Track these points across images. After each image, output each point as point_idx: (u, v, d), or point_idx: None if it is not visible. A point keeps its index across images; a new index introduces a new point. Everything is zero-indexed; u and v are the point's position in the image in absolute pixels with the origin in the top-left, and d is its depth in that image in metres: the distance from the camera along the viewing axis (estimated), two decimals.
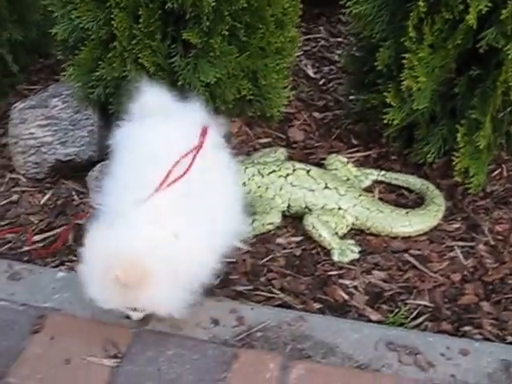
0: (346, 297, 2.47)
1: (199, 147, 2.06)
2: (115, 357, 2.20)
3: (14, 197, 2.92)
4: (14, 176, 3.00)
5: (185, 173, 1.96)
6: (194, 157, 2.01)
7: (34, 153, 2.87)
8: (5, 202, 2.92)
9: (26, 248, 2.72)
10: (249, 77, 2.94)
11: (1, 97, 3.50)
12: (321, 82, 3.58)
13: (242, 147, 3.02)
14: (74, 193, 2.88)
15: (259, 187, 2.68)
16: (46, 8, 3.04)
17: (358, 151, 3.14)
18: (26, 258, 2.64)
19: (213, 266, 2.07)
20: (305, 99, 3.41)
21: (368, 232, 2.73)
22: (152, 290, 1.90)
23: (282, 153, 2.89)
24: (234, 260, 2.56)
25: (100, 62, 2.81)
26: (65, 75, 2.91)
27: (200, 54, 2.80)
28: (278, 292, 2.48)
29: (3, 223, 2.78)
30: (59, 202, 2.85)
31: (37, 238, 2.76)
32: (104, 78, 2.80)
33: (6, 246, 2.71)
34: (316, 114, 3.33)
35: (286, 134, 3.18)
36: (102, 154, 2.90)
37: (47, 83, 3.59)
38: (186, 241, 1.94)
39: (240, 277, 2.55)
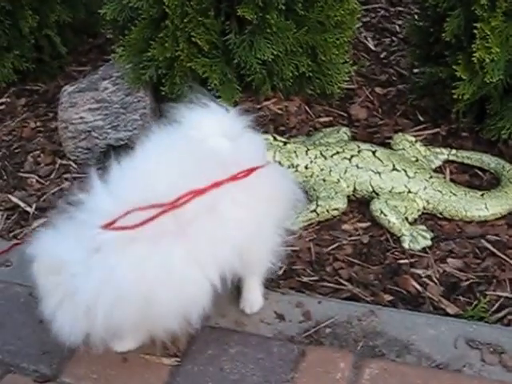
0: (420, 288, 2.32)
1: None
2: (175, 355, 2.08)
3: (65, 184, 2.74)
4: (64, 162, 2.88)
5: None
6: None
7: (84, 138, 2.74)
8: (56, 189, 2.79)
9: None
10: (307, 53, 2.80)
11: (49, 79, 3.39)
12: (382, 55, 3.39)
13: (302, 127, 2.85)
14: None
15: (322, 170, 2.51)
16: None
17: (425, 128, 2.97)
18: None
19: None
20: (366, 74, 3.25)
21: (440, 216, 2.56)
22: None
23: (344, 132, 2.71)
24: (298, 248, 2.35)
25: (151, 42, 2.70)
26: (115, 57, 2.68)
27: (256, 30, 2.67)
28: (345, 283, 2.34)
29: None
30: None
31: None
32: (156, 59, 2.67)
33: None
34: (378, 90, 3.15)
35: (347, 111, 3.01)
36: None
37: (97, 64, 3.50)
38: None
39: (304, 266, 2.41)
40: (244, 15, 2.58)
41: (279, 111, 2.92)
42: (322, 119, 2.99)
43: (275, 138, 2.55)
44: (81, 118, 2.76)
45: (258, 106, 2.94)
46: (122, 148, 2.71)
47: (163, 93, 2.73)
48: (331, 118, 3.01)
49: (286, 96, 2.95)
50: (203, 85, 2.74)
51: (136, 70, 2.69)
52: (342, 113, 3.04)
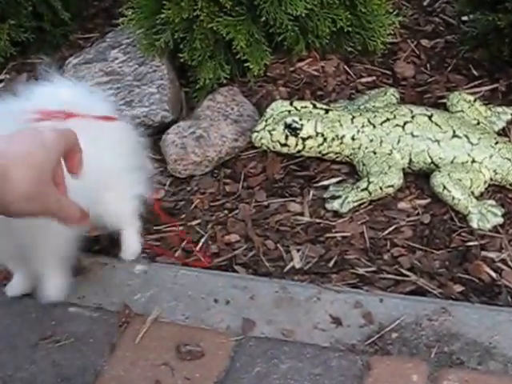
0: (494, 274, 2.05)
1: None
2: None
3: None
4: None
5: None
6: None
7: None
8: None
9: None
10: (345, 4, 2.50)
11: (52, 50, 3.07)
12: (425, 2, 3.00)
13: (343, 90, 2.54)
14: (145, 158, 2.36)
15: (372, 141, 2.19)
16: None
17: (481, 84, 2.66)
18: (96, 247, 2.18)
19: None
20: (409, 25, 2.93)
21: (511, 188, 2.25)
22: None
23: (392, 94, 2.38)
24: (349, 234, 2.06)
25: (165, 2, 2.40)
26: (123, 21, 2.38)
27: None
28: (407, 273, 2.09)
29: None
30: None
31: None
32: (171, 21, 2.36)
33: None
34: (425, 42, 2.83)
35: (391, 69, 2.72)
36: (177, 113, 2.48)
37: (104, 30, 3.16)
38: None
39: (358, 255, 2.16)
40: None
41: (315, 73, 2.63)
42: (363, 79, 2.69)
43: (315, 106, 2.23)
44: None
45: (292, 69, 2.60)
46: (138, 127, 2.35)
47: (182, 60, 2.32)
48: (374, 78, 2.70)
49: (321, 55, 2.61)
50: (228, 48, 2.37)
51: (149, 35, 2.38)
52: (385, 71, 2.74)
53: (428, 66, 2.78)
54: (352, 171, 2.31)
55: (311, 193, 2.28)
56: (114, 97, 2.44)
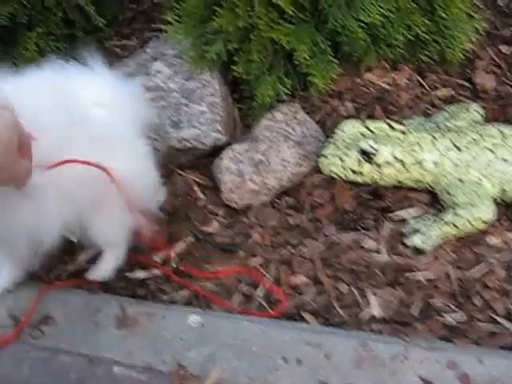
0: None
1: None
2: None
3: None
4: None
5: None
6: None
7: None
8: None
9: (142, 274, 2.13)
10: (423, 9, 2.26)
11: (85, 58, 2.72)
12: (501, 3, 2.75)
13: (417, 105, 2.32)
14: (195, 188, 2.17)
15: (457, 166, 1.99)
16: None
17: None
18: (141, 291, 2.04)
19: None
20: (486, 29, 2.62)
21: None
22: None
23: (476, 110, 2.17)
24: (433, 275, 1.96)
25: (217, 8, 2.18)
26: (168, 30, 2.32)
27: None
28: (503, 321, 1.90)
29: None
30: (177, 203, 2.10)
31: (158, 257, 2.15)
32: (224, 30, 2.15)
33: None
34: (504, 49, 2.60)
35: (470, 80, 2.48)
36: (230, 133, 2.35)
37: (143, 35, 2.97)
38: None
39: (445, 300, 1.98)
40: None
41: (386, 86, 2.43)
42: (439, 92, 2.48)
43: (390, 126, 2.00)
44: None
45: (359, 81, 2.37)
46: (187, 151, 2.12)
47: (235, 73, 2.11)
48: (451, 91, 2.50)
49: (392, 65, 2.36)
50: (288, 59, 2.13)
51: (198, 45, 2.19)
52: (463, 82, 2.54)
53: (510, 75, 2.53)
54: (433, 200, 2.10)
55: (387, 226, 2.04)
56: (157, 116, 2.16)
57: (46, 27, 2.71)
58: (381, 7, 2.12)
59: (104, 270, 2.05)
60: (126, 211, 1.81)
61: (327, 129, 2.32)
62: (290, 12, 2.11)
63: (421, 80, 2.46)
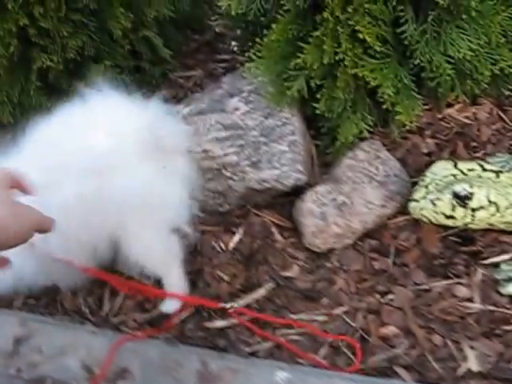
0: None
1: None
2: None
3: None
4: None
5: None
6: None
7: (212, 178, 2.10)
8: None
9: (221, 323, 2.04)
10: (511, 42, 2.12)
11: (151, 90, 2.67)
12: None
13: (500, 141, 2.24)
14: (274, 229, 2.05)
15: None
16: None
17: None
18: (222, 342, 1.94)
19: None
20: None
21: None
22: None
23: None
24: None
25: (301, 43, 2.06)
26: (250, 68, 2.24)
27: (445, 16, 2.04)
28: None
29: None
30: (255, 245, 1.99)
31: (234, 303, 2.06)
32: (307, 66, 2.00)
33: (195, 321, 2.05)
34: None
35: None
36: (309, 173, 2.16)
37: (207, 66, 2.92)
38: None
39: None
40: None
41: (466, 120, 2.33)
42: None
43: (483, 167, 1.86)
44: (205, 151, 2.13)
45: (439, 116, 2.23)
46: (265, 191, 2.10)
47: (318, 111, 2.00)
48: None
49: (471, 99, 2.21)
50: (371, 97, 2.02)
51: (278, 82, 2.04)
52: None
53: None
54: None
55: (479, 272, 1.91)
56: (236, 156, 2.06)
57: (113, 59, 2.65)
58: (470, 41, 1.97)
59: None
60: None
61: (408, 166, 2.19)
62: (377, 48, 1.97)
63: (502, 114, 2.33)
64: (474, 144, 2.27)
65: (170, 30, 2.86)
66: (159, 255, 1.97)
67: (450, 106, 2.33)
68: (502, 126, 2.32)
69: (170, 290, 2.02)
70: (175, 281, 2.03)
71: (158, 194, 1.82)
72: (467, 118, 2.31)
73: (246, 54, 2.16)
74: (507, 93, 2.35)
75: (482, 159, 2.15)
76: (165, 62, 2.84)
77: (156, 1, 2.65)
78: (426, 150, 2.24)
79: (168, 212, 1.89)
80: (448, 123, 2.30)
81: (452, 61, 2.06)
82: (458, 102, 2.33)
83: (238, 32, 2.52)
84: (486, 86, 2.19)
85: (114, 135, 1.77)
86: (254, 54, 2.11)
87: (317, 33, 2.00)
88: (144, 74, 2.80)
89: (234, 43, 2.95)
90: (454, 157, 2.19)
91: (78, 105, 1.80)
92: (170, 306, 2.03)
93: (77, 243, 1.80)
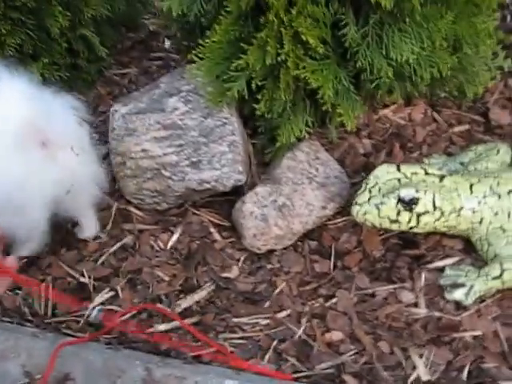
0: None
1: None
2: None
3: (128, 238, 1.77)
4: (122, 206, 1.85)
5: None
6: None
7: (151, 177, 1.82)
8: (115, 246, 1.96)
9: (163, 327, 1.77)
10: (453, 46, 1.93)
11: (87, 87, 2.52)
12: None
13: (436, 142, 1.97)
14: (212, 229, 1.72)
15: (496, 214, 1.58)
16: None
17: None
18: (165, 346, 1.71)
19: None
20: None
21: None
22: None
23: (506, 152, 1.72)
24: (480, 333, 1.60)
25: (243, 44, 1.79)
26: (187, 66, 1.98)
27: (388, 20, 1.81)
28: None
29: (121, 280, 1.83)
30: (194, 245, 1.69)
31: (178, 307, 1.80)
32: (249, 67, 1.77)
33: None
34: None
35: (484, 115, 2.08)
36: (251, 175, 1.97)
37: (142, 64, 2.63)
38: None
39: (497, 362, 1.61)
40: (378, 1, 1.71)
41: (401, 121, 2.04)
42: (456, 128, 2.17)
43: (426, 171, 1.58)
44: (144, 150, 1.86)
45: (375, 117, 1.94)
46: (204, 191, 1.89)
47: (258, 112, 1.70)
48: (467, 127, 2.17)
49: (406, 100, 1.99)
50: (310, 97, 1.81)
51: (218, 83, 1.73)
52: (477, 117, 2.21)
53: None
54: (468, 247, 1.73)
55: (423, 276, 1.63)
56: (175, 155, 1.74)
57: (51, 57, 2.35)
58: (413, 44, 1.70)
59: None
60: None
61: (346, 167, 1.93)
62: (319, 50, 1.68)
63: (436, 115, 2.13)
64: (410, 145, 2.03)
65: (106, 28, 2.57)
66: None
67: (385, 106, 2.06)
68: (437, 126, 2.11)
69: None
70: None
71: (28, 189, 1.60)
72: (402, 118, 2.07)
73: (186, 55, 1.81)
74: (443, 94, 2.06)
75: (418, 160, 1.85)
76: (101, 59, 2.54)
77: (93, 1, 2.26)
78: (362, 151, 1.99)
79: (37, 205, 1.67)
80: (384, 124, 2.06)
81: (393, 63, 1.73)
82: (393, 103, 2.07)
83: (174, 31, 2.15)
84: (425, 89, 1.88)
85: None
86: (196, 55, 1.76)
87: (260, 34, 1.73)
88: (80, 72, 2.51)
89: (167, 41, 2.59)
90: (391, 158, 1.93)
91: None
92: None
93: None
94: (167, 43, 2.66)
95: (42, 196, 1.68)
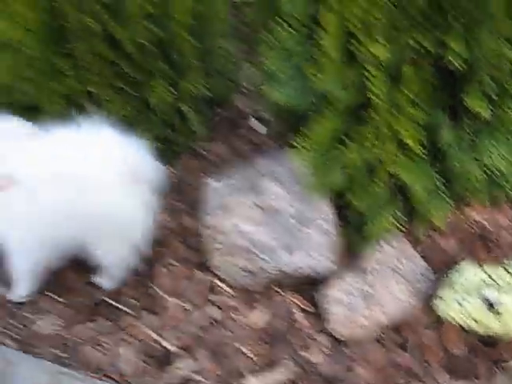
0: None
1: None
2: None
3: (213, 310, 1.90)
4: (209, 278, 2.01)
5: None
6: None
7: (242, 256, 2.03)
8: (203, 320, 2.10)
9: None
10: None
11: (175, 157, 2.69)
12: None
13: None
14: (296, 311, 1.89)
15: None
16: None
17: None
18: None
19: None
20: None
21: None
22: None
23: None
24: None
25: (344, 139, 1.98)
26: (289, 151, 2.10)
27: (482, 126, 1.98)
28: None
29: (204, 352, 1.98)
30: (278, 324, 1.86)
31: (254, 381, 1.90)
32: (347, 160, 2.00)
33: None
34: None
35: None
36: (340, 265, 2.11)
37: (228, 140, 2.80)
38: None
39: None
40: (473, 107, 1.90)
41: (486, 223, 2.18)
42: None
43: (509, 272, 1.69)
44: (237, 228, 2.01)
45: (462, 217, 2.13)
46: (296, 274, 2.04)
47: (353, 202, 1.88)
48: None
49: (492, 202, 2.22)
50: (401, 193, 2.03)
51: (317, 172, 1.92)
52: None
53: None
54: None
55: (500, 378, 1.74)
56: (268, 237, 1.90)
57: (147, 126, 2.52)
58: (504, 152, 1.87)
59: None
60: None
61: (431, 263, 2.07)
62: (416, 150, 1.83)
63: None
64: (494, 247, 2.13)
65: (199, 104, 2.72)
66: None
67: (472, 207, 2.18)
68: None
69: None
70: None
71: (124, 213, 1.97)
72: (488, 221, 2.18)
73: (280, 139, 1.98)
74: None
75: (502, 262, 1.99)
76: (192, 133, 2.71)
77: (193, 78, 2.49)
78: (447, 249, 2.09)
79: (130, 230, 2.02)
80: (470, 224, 2.17)
81: (483, 168, 1.88)
82: (480, 205, 2.16)
83: (269, 116, 2.34)
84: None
85: (97, 160, 1.95)
86: (296, 142, 1.92)
87: (362, 130, 1.86)
88: (171, 142, 2.68)
89: (255, 121, 2.78)
90: (475, 258, 2.03)
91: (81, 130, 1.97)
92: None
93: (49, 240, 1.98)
94: (255, 123, 2.82)
95: (133, 222, 2.01)
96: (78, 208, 1.93)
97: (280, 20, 2.06)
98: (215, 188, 2.13)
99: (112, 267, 2.12)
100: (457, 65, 1.82)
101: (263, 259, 2.00)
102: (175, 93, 2.50)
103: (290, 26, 2.01)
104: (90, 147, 1.98)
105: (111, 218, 1.98)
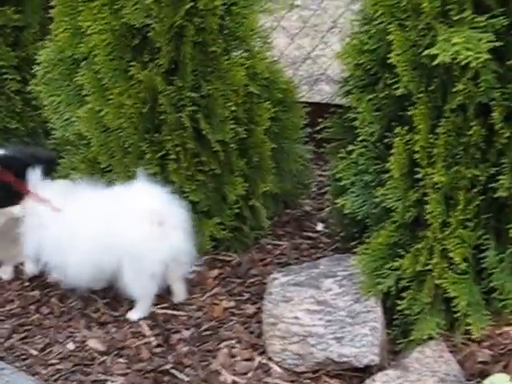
0: None
1: None
2: None
3: None
4: (264, 361, 2.42)
5: None
6: None
7: (297, 341, 2.41)
8: None
9: None
10: None
11: (242, 249, 3.13)
12: None
13: None
14: None
15: None
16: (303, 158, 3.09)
17: None
18: None
19: None
20: None
21: None
22: None
23: None
24: None
25: (399, 250, 2.35)
26: (352, 257, 2.53)
27: None
28: None
29: None
30: None
31: None
32: (400, 269, 2.35)
33: None
34: None
35: None
36: (383, 360, 2.41)
37: (294, 240, 3.24)
38: None
39: None
40: None
41: None
42: None
43: None
44: (295, 317, 2.45)
45: (498, 331, 2.45)
46: (342, 363, 2.38)
47: (399, 307, 2.25)
48: None
49: None
50: (445, 304, 2.33)
51: (372, 276, 2.32)
52: None
53: None
54: None
55: None
56: (323, 328, 2.30)
57: (222, 218, 3.00)
58: None
59: None
60: None
61: (464, 369, 2.40)
62: (462, 266, 2.22)
63: None
64: None
65: (270, 202, 3.18)
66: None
67: (508, 324, 2.53)
68: None
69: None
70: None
71: (148, 250, 2.63)
72: None
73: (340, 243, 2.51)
74: None
75: None
76: (261, 228, 3.14)
77: (268, 178, 2.91)
78: (482, 359, 2.45)
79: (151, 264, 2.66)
80: (505, 339, 2.51)
81: None
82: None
83: (334, 222, 2.86)
84: None
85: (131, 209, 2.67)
86: (358, 248, 2.35)
87: (417, 245, 2.29)
88: (241, 234, 3.11)
89: (320, 224, 3.18)
90: (507, 371, 2.38)
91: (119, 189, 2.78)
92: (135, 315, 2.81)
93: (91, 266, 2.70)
94: (320, 226, 3.25)
95: (158, 258, 2.66)
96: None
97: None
98: (281, 281, 2.55)
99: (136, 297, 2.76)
100: (504, 195, 2.21)
101: (314, 346, 2.39)
102: (249, 189, 2.92)
103: (365, 146, 2.43)
104: (128, 197, 2.69)
105: (132, 250, 2.63)
